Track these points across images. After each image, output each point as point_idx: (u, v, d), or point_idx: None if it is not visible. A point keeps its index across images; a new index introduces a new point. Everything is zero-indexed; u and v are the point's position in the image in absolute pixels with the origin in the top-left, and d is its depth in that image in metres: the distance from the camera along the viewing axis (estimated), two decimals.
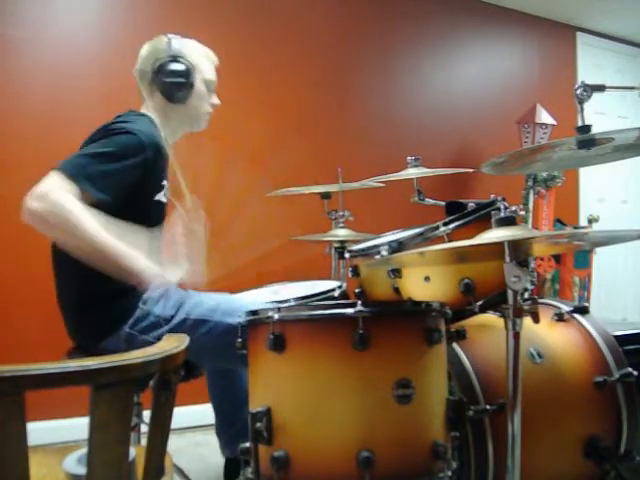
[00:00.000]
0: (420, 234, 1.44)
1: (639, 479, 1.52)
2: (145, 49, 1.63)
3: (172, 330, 1.42)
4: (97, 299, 1.45)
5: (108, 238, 1.34)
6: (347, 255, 1.66)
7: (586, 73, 4.28)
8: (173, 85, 1.58)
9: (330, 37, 3.35)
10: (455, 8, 3.79)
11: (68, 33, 2.66)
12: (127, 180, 1.41)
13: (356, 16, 3.44)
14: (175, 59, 1.57)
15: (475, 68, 3.91)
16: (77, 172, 1.33)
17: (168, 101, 1.59)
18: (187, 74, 1.58)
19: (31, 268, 2.36)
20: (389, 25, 3.53)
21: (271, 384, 1.16)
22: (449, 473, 1.13)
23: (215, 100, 1.70)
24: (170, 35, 1.62)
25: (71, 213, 1.29)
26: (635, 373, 1.50)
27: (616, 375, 1.49)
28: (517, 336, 1.18)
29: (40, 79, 2.59)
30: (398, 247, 1.43)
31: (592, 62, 4.40)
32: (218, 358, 1.58)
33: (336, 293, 1.71)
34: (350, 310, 1.11)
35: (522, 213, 1.29)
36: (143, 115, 1.59)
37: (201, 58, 1.64)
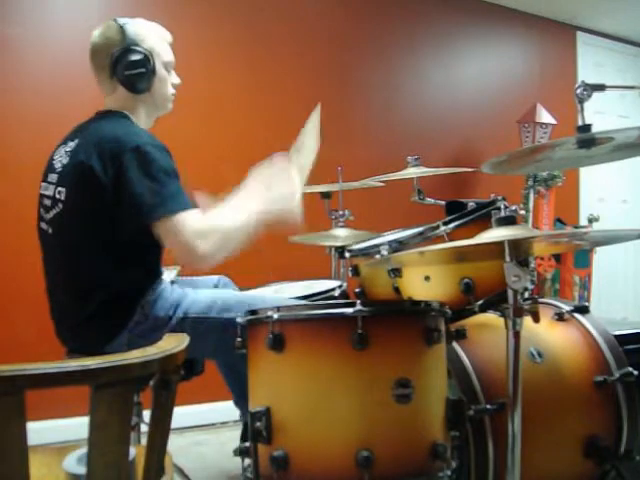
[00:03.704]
0: (420, 233, 1.44)
1: (639, 479, 1.52)
2: (95, 41, 1.52)
3: (172, 330, 1.42)
4: (95, 306, 1.43)
5: (249, 212, 1.45)
6: (347, 255, 1.66)
7: (586, 72, 4.28)
8: (135, 76, 1.49)
9: (330, 37, 3.35)
10: (455, 8, 3.79)
11: (68, 33, 2.66)
12: None
13: (356, 16, 3.43)
14: (131, 49, 1.48)
15: (475, 68, 3.91)
16: (182, 202, 1.37)
17: (133, 93, 1.52)
18: (147, 62, 1.49)
19: (30, 267, 2.35)
20: (389, 25, 3.53)
21: (270, 384, 1.16)
22: (448, 473, 1.13)
23: (175, 79, 1.62)
24: (120, 20, 1.52)
25: (226, 229, 1.41)
26: (635, 373, 1.49)
27: (616, 375, 1.49)
28: (517, 335, 1.17)
29: (40, 79, 2.59)
30: (398, 246, 1.43)
31: (592, 61, 4.40)
32: (219, 354, 1.59)
33: (336, 293, 1.71)
34: (349, 310, 1.11)
35: (522, 213, 1.29)
36: (124, 117, 1.53)
37: (157, 41, 1.55)
